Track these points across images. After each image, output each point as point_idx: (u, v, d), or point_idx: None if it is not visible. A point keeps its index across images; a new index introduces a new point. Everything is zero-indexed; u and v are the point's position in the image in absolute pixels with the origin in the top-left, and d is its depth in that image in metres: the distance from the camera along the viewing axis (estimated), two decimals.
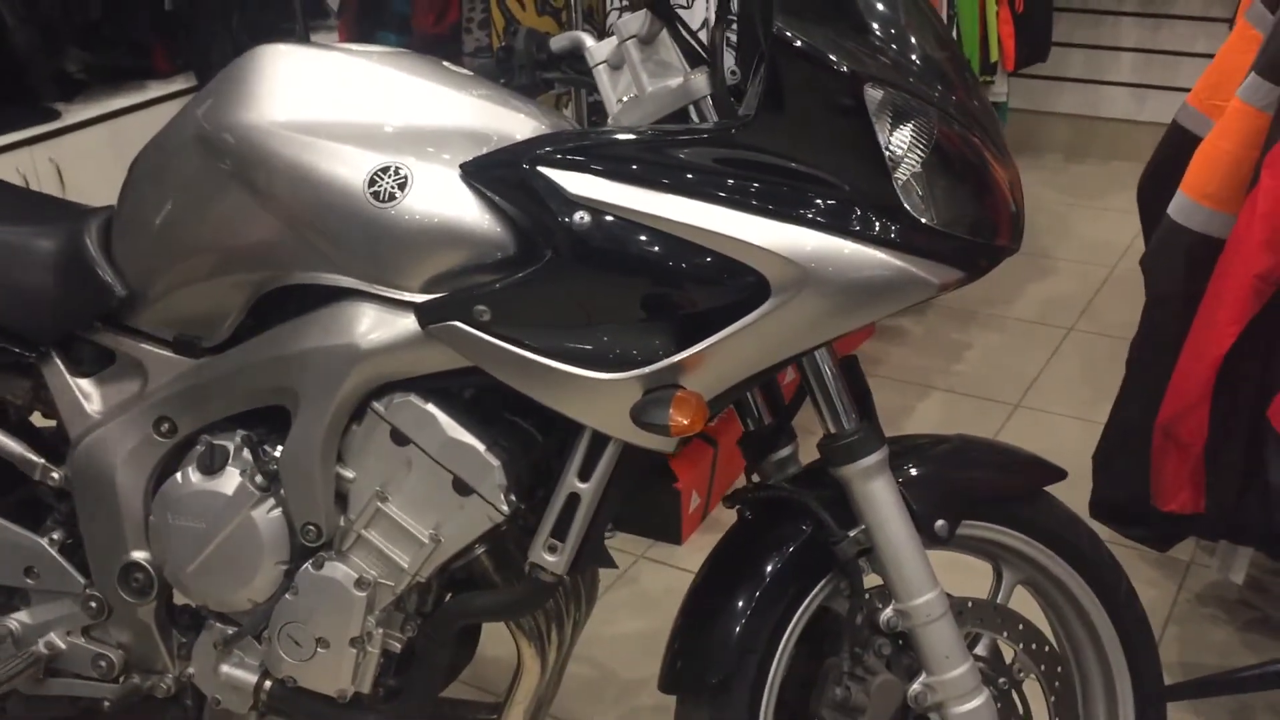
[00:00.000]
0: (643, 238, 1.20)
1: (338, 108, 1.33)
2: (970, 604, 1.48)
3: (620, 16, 1.94)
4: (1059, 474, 1.50)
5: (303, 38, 2.82)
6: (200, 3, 3.24)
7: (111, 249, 1.47)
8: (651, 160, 1.22)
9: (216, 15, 3.28)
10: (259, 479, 1.41)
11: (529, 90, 1.53)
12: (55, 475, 1.51)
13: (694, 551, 2.40)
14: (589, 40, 1.47)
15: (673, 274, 1.20)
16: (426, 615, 1.47)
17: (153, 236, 1.42)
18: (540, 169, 1.22)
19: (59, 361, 1.50)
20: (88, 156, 3.09)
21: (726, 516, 1.52)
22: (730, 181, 1.19)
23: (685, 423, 1.19)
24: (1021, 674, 1.52)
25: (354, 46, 1.44)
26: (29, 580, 1.54)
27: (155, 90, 3.29)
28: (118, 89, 3.26)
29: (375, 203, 1.27)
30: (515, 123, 1.33)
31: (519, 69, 1.53)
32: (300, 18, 2.79)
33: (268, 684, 1.49)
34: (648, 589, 2.31)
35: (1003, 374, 3.09)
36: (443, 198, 1.27)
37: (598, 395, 1.24)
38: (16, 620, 1.55)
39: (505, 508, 1.34)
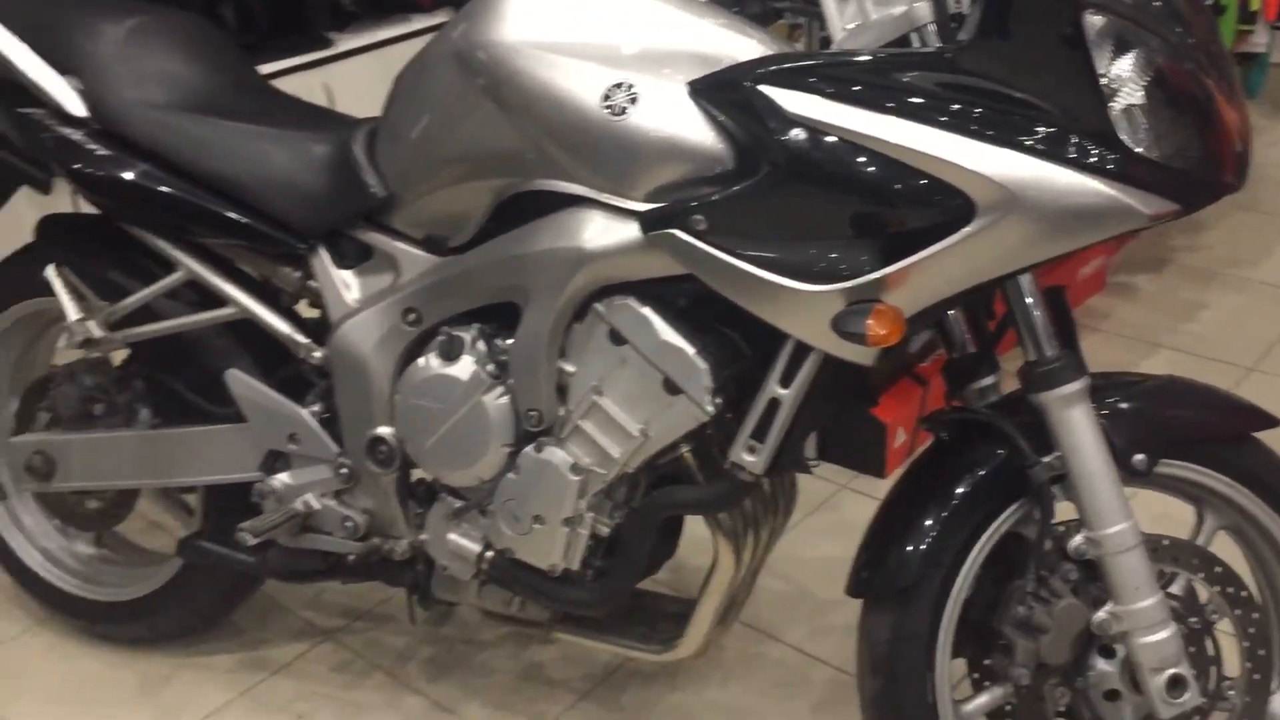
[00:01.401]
0: (855, 156, 1.26)
1: (578, 28, 1.43)
2: (1166, 541, 1.48)
3: None
4: (1271, 421, 1.47)
5: None
6: None
7: (375, 155, 1.63)
8: (868, 81, 1.27)
9: None
10: (490, 368, 1.56)
11: (760, 19, 1.59)
12: (317, 355, 1.70)
13: None
14: None
15: (881, 192, 1.26)
16: (634, 505, 1.59)
17: (411, 144, 1.57)
18: (761, 87, 1.29)
19: (325, 254, 1.68)
20: (356, 82, 3.33)
21: None
22: (943, 104, 1.23)
23: (883, 333, 1.25)
24: (1215, 616, 1.51)
25: None
26: (291, 445, 1.74)
27: (418, 23, 3.50)
28: (384, 20, 3.50)
29: (608, 116, 1.38)
30: (743, 47, 1.40)
31: None
32: None
33: (489, 554, 1.65)
34: (848, 518, 2.37)
35: (1239, 336, 2.95)
36: (670, 113, 1.35)
37: (802, 305, 1.31)
38: (280, 480, 1.76)
39: (710, 408, 1.43)
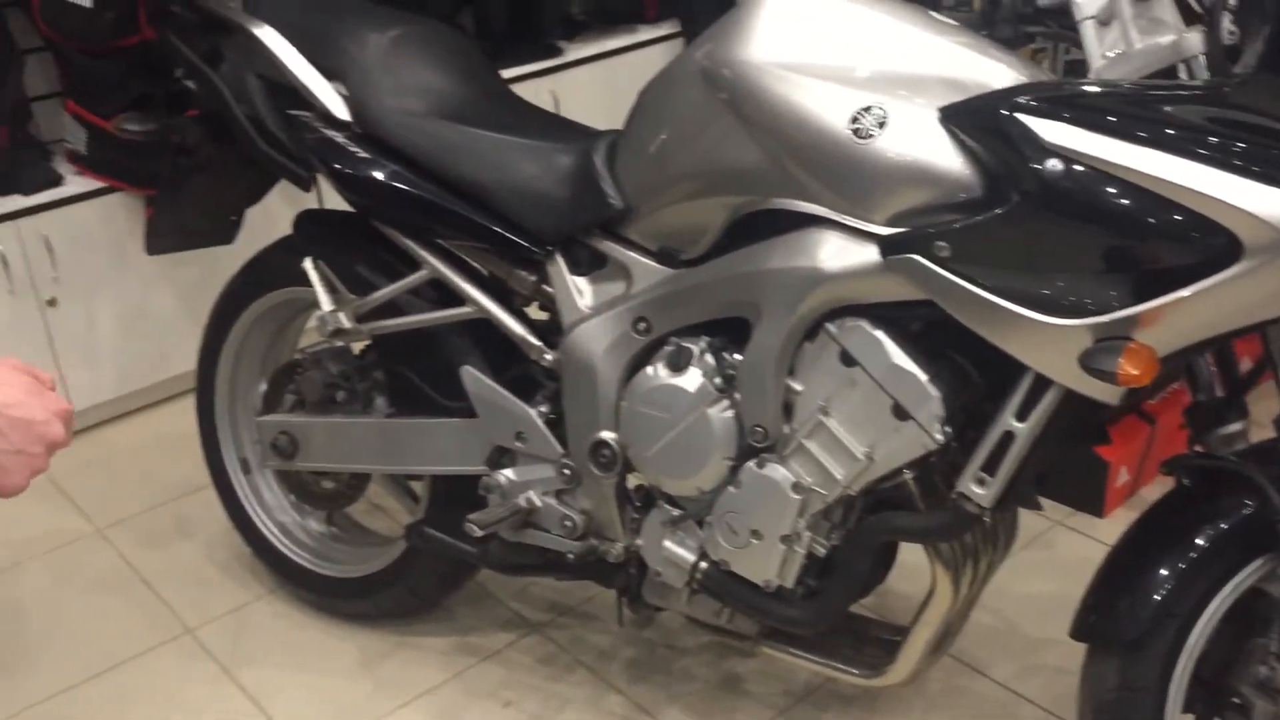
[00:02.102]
0: (1114, 189, 1.22)
1: (828, 49, 1.44)
2: None
3: None
4: None
5: None
6: None
7: (615, 167, 1.67)
8: (1130, 113, 1.23)
9: None
10: (718, 381, 1.58)
11: (1010, 43, 1.57)
12: (548, 357, 1.76)
13: (1115, 525, 2.35)
14: None
15: (1140, 227, 1.22)
16: (850, 527, 1.58)
17: (652, 158, 1.60)
18: (1018, 115, 1.27)
19: (561, 260, 1.74)
20: (582, 90, 3.42)
21: (1153, 496, 1.51)
22: (1214, 139, 1.18)
23: (1135, 374, 1.21)
24: None
25: None
26: (518, 443, 1.80)
27: (644, 34, 3.57)
28: (612, 31, 3.58)
29: (855, 139, 1.38)
30: (994, 72, 1.38)
31: (1002, 21, 1.57)
32: None
33: (703, 564, 1.67)
34: (1063, 555, 2.30)
35: None
36: (918, 138, 1.35)
37: (1047, 339, 1.28)
38: (505, 475, 1.83)
39: (939, 437, 1.42)
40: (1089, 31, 1.44)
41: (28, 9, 2.66)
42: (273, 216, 2.51)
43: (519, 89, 3.35)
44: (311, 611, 2.24)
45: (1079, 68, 2.15)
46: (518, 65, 3.29)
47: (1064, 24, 1.55)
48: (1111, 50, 1.40)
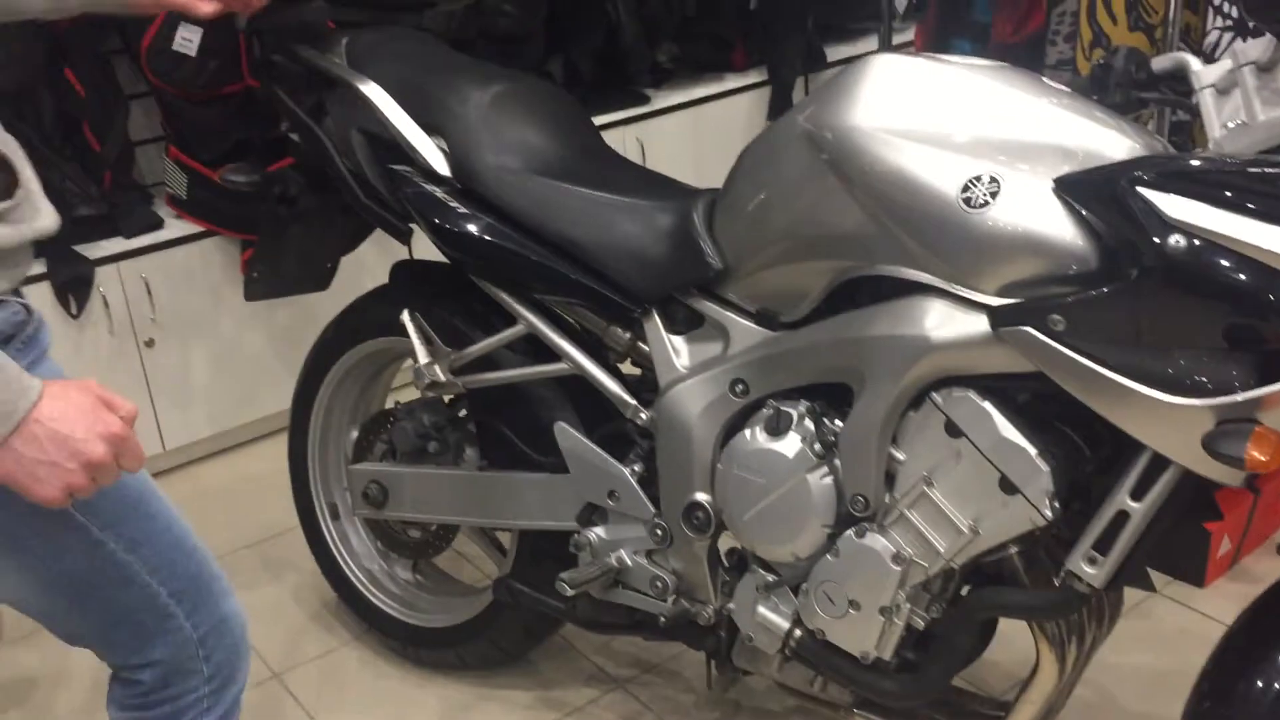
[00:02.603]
0: (1239, 266, 1.19)
1: (938, 116, 1.42)
2: None
3: (1232, 38, 1.88)
4: None
5: (885, 40, 2.94)
6: (782, 4, 3.48)
7: (714, 226, 1.66)
8: (1256, 189, 1.20)
9: (793, 15, 3.51)
10: (817, 447, 1.56)
11: (1122, 108, 1.54)
12: (643, 416, 1.75)
13: (1215, 596, 2.28)
14: (1196, 64, 1.46)
15: (1266, 306, 1.18)
16: (950, 600, 1.54)
17: (752, 219, 1.59)
18: (1139, 189, 1.24)
19: (658, 319, 1.73)
20: (668, 138, 3.43)
21: (1256, 567, 1.46)
22: None
23: (1263, 460, 1.17)
24: None
25: (954, 59, 1.52)
26: (610, 502, 1.79)
27: (731, 82, 3.57)
28: (699, 78, 3.59)
29: (966, 208, 1.36)
30: (1110, 141, 1.36)
31: (1115, 87, 1.54)
32: (886, 19, 2.91)
33: (797, 632, 1.64)
34: (1161, 626, 2.23)
35: None
36: (1032, 209, 1.32)
37: (1167, 418, 1.25)
38: (596, 533, 1.82)
39: (1048, 513, 1.38)
40: (1208, 101, 1.40)
41: (135, 57, 2.73)
42: (364, 263, 2.54)
43: (606, 136, 3.35)
44: (395, 660, 2.24)
45: (1185, 128, 2.10)
46: (605, 113, 3.31)
47: (1178, 90, 1.52)
48: (1231, 121, 1.37)
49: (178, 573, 1.29)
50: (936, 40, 2.59)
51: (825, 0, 3.59)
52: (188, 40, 2.60)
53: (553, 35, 3.27)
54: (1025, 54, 2.40)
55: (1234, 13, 1.86)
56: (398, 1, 2.12)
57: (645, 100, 3.44)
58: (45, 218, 1.22)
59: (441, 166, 1.85)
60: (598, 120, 3.27)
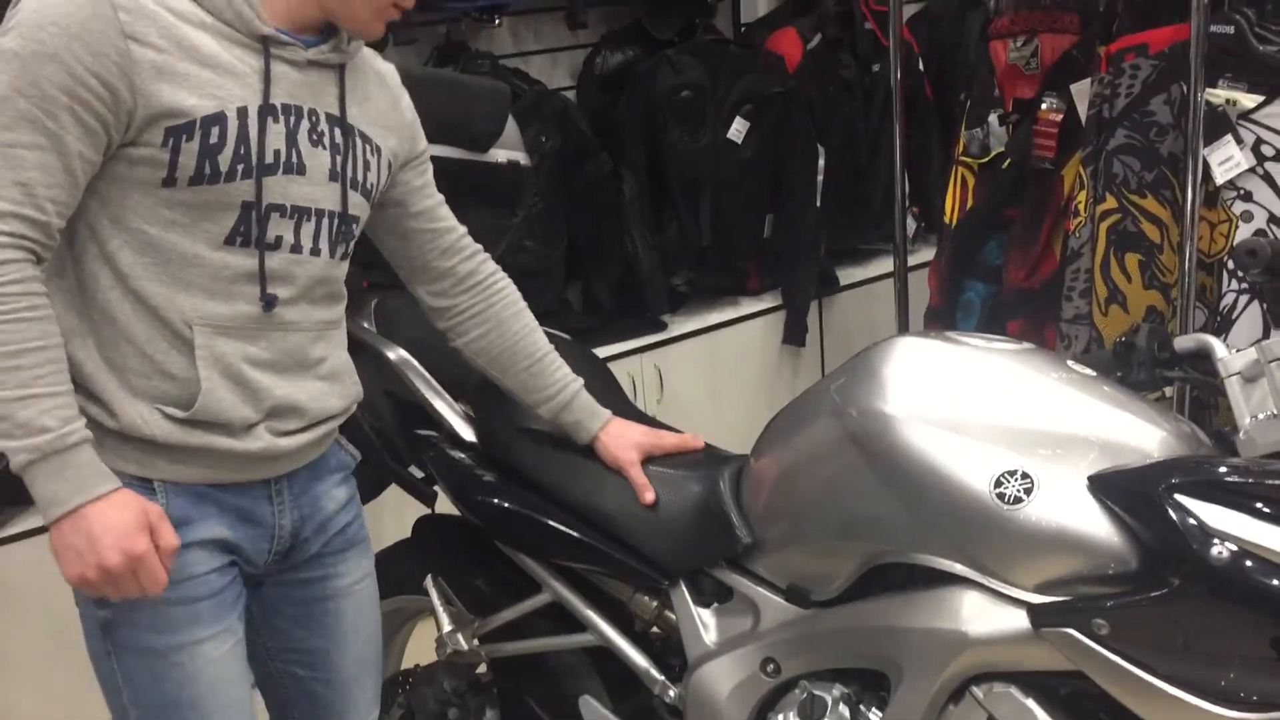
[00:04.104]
0: None
1: (967, 404, 1.43)
2: None
3: (1248, 301, 1.90)
4: None
5: (900, 274, 2.99)
6: (794, 231, 3.57)
7: (741, 497, 1.66)
8: None
9: (805, 241, 3.59)
10: None
11: (1145, 386, 1.55)
12: (671, 694, 1.71)
13: None
14: (1220, 348, 1.47)
15: None
16: None
17: (781, 494, 1.59)
18: (1177, 496, 1.24)
19: (685, 590, 1.71)
20: (685, 364, 3.47)
21: None
22: None
23: None
24: None
25: (979, 341, 1.54)
26: None
27: (747, 307, 3.63)
28: (715, 303, 3.64)
29: (1000, 504, 1.35)
30: (1145, 434, 1.36)
31: (1138, 365, 1.55)
32: (902, 253, 2.97)
33: None
34: None
35: None
36: (1068, 507, 1.32)
37: None
38: None
39: None
40: (1235, 389, 1.41)
41: None
42: (385, 504, 2.53)
43: (624, 364, 3.43)
44: None
45: (1209, 404, 2.10)
46: (623, 341, 3.35)
47: (1203, 370, 1.53)
48: (1260, 411, 1.37)
49: None
50: (950, 283, 2.64)
51: (836, 225, 3.68)
52: None
53: (571, 265, 3.35)
54: (1040, 300, 2.44)
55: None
56: None
57: (662, 327, 3.49)
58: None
59: (467, 433, 1.86)
60: (615, 348, 3.33)
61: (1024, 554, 1.34)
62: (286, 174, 1.39)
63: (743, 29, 3.78)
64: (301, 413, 1.47)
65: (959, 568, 1.40)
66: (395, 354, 1.91)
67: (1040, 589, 1.33)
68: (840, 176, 3.62)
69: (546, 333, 1.90)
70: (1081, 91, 2.33)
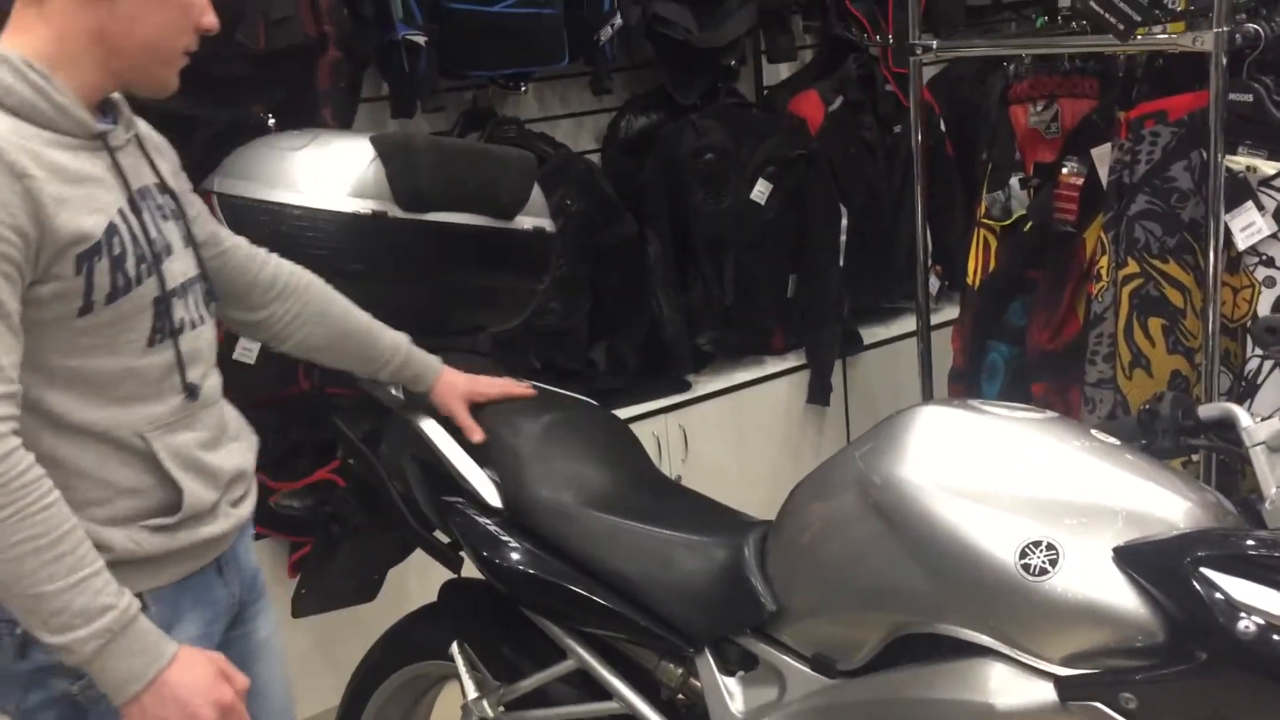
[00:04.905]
0: None
1: (991, 474, 1.43)
2: None
3: (1273, 367, 1.90)
4: None
5: (923, 334, 2.99)
6: (818, 290, 3.59)
7: (766, 564, 1.66)
8: None
9: (829, 300, 3.61)
10: None
11: (1169, 454, 1.55)
12: None
13: None
14: (1245, 418, 1.47)
15: None
16: None
17: (805, 562, 1.59)
18: (1203, 570, 1.23)
19: (710, 658, 1.70)
20: (710, 424, 3.47)
21: None
22: None
23: None
24: None
25: (1003, 409, 1.55)
26: None
27: (771, 366, 3.64)
28: (739, 362, 3.65)
29: (1025, 575, 1.35)
30: (1170, 505, 1.36)
31: (1162, 433, 1.55)
32: (925, 313, 2.97)
33: None
34: None
35: None
36: (1094, 580, 1.31)
37: None
38: None
39: None
40: (1260, 459, 1.41)
41: None
42: (410, 564, 2.54)
43: (649, 424, 3.44)
44: None
45: (1232, 465, 2.10)
46: (648, 401, 3.37)
47: (1227, 438, 1.53)
48: None
49: None
50: (973, 344, 2.65)
51: (859, 284, 3.70)
52: (248, 350, 2.70)
53: (596, 326, 3.37)
54: (1064, 362, 2.44)
55: None
56: (452, 327, 2.21)
57: (687, 387, 3.50)
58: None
59: (493, 498, 1.87)
60: (640, 408, 3.34)
61: (1050, 626, 1.34)
62: (168, 256, 1.41)
63: (765, 92, 3.83)
64: (245, 476, 1.52)
65: (985, 639, 1.39)
66: (423, 421, 1.93)
67: (1067, 661, 1.33)
68: (863, 236, 3.65)
69: (566, 396, 1.93)
70: (1102, 156, 2.35)
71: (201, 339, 1.46)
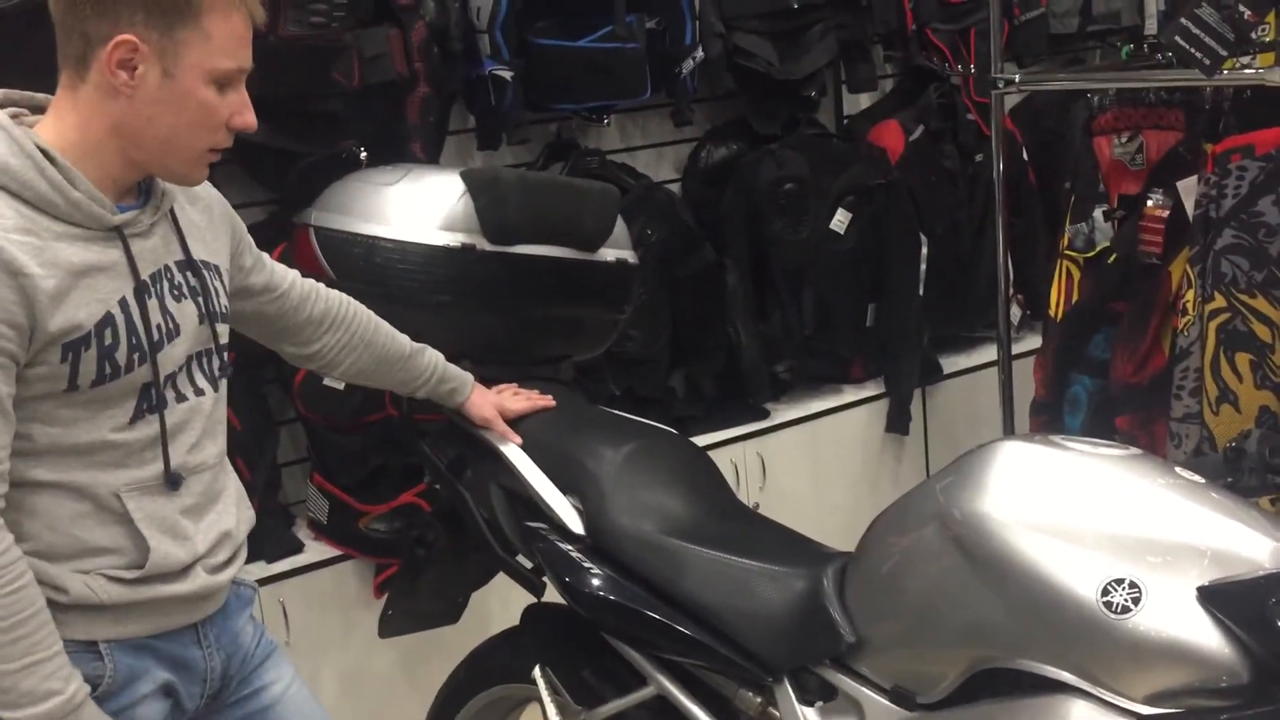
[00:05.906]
0: None
1: (1073, 510, 1.44)
2: None
3: None
4: None
5: (1005, 366, 2.97)
6: (897, 319, 3.58)
7: (846, 595, 1.67)
8: None
9: (908, 330, 3.60)
10: None
11: (1256, 492, 1.54)
12: None
13: None
14: None
15: None
16: None
17: (885, 594, 1.60)
18: None
19: (789, 688, 1.72)
20: (788, 452, 3.47)
21: None
22: None
23: None
24: None
25: (1085, 445, 1.55)
26: None
27: (849, 395, 3.63)
28: (817, 391, 3.65)
29: (1107, 613, 1.35)
30: (1256, 545, 1.36)
31: (1248, 471, 1.54)
32: (1006, 343, 2.96)
33: None
34: None
35: None
36: (1177, 619, 1.31)
37: None
38: None
39: None
40: None
41: (287, 387, 2.91)
42: (493, 586, 2.58)
43: (727, 451, 3.45)
44: None
45: None
46: (726, 429, 3.38)
47: None
48: None
49: None
50: (1056, 376, 2.63)
51: (940, 313, 3.69)
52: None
53: (675, 354, 3.40)
54: (1149, 396, 2.42)
55: None
56: (537, 357, 2.26)
57: (765, 415, 3.50)
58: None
59: (576, 525, 1.91)
60: (718, 435, 3.36)
61: (1132, 664, 1.33)
62: (170, 341, 1.42)
63: (845, 122, 3.84)
64: (230, 541, 1.52)
65: (1066, 675, 1.39)
66: (507, 448, 1.98)
67: (1150, 700, 1.33)
68: (943, 265, 3.63)
69: (647, 425, 1.96)
70: (1188, 189, 2.33)
71: (198, 410, 1.47)
